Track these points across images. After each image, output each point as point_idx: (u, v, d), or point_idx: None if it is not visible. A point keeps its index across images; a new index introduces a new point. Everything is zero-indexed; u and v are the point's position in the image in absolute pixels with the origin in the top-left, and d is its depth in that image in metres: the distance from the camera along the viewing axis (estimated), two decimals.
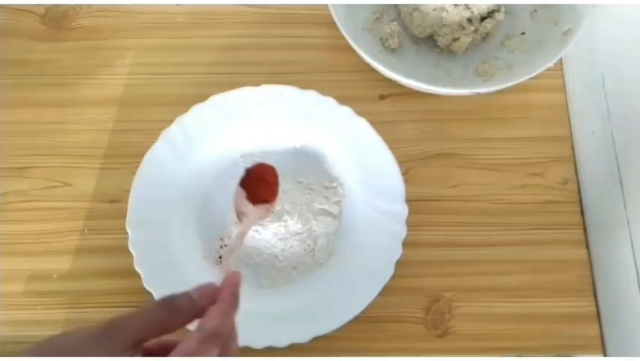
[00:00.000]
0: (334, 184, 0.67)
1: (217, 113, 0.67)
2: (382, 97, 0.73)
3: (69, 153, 0.70)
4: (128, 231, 0.62)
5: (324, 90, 0.68)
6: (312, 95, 0.67)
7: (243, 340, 0.58)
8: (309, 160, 0.68)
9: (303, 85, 0.68)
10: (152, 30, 0.76)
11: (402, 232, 0.62)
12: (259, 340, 0.58)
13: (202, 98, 0.68)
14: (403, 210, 0.63)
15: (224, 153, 0.68)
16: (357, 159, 0.66)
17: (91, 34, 0.76)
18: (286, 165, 0.67)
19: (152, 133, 0.66)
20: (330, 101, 0.67)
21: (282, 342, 0.58)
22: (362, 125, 0.66)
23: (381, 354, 0.62)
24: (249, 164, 0.65)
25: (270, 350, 0.58)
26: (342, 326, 0.59)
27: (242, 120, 0.67)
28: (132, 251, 0.61)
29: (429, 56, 0.73)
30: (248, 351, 0.58)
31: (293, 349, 0.58)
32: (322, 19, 0.72)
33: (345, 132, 0.67)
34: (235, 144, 0.68)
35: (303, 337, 0.59)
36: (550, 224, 0.67)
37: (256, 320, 0.60)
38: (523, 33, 0.72)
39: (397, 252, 0.61)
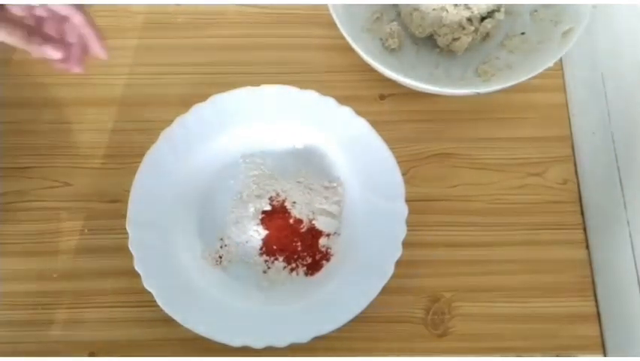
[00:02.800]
0: (334, 184, 0.67)
1: (217, 113, 0.67)
2: (382, 97, 0.73)
3: (69, 153, 0.70)
4: (129, 231, 0.62)
5: (324, 90, 0.68)
6: (311, 95, 0.67)
7: (243, 340, 0.58)
8: (309, 160, 0.68)
9: (303, 85, 0.68)
10: (151, 30, 0.76)
11: (402, 231, 0.62)
12: (259, 340, 0.58)
13: (202, 98, 0.68)
14: (403, 209, 0.63)
15: (225, 153, 0.68)
16: (357, 158, 0.66)
17: None
18: (286, 165, 0.68)
19: (152, 133, 0.66)
20: (330, 101, 0.67)
21: (282, 342, 0.58)
22: (362, 125, 0.66)
23: (381, 354, 0.62)
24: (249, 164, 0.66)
25: (270, 350, 0.58)
26: (342, 326, 0.59)
27: (242, 120, 0.67)
28: (132, 251, 0.61)
29: (429, 56, 0.73)
30: (248, 351, 0.58)
31: (293, 349, 0.58)
32: (322, 19, 0.72)
33: (345, 132, 0.66)
34: (235, 144, 0.68)
35: (303, 337, 0.59)
36: (550, 224, 0.67)
37: (256, 320, 0.60)
38: (523, 33, 0.72)
39: (397, 251, 0.61)
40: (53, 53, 0.54)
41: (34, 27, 0.55)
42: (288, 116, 0.67)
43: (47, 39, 0.54)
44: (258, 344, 0.58)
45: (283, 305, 0.61)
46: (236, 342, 0.58)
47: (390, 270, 0.60)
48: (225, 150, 0.67)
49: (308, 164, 0.68)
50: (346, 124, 0.67)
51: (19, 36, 0.53)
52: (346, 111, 0.67)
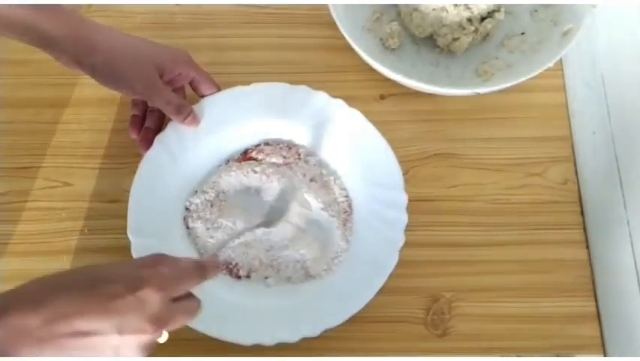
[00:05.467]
0: (331, 177, 0.66)
1: (210, 114, 0.67)
2: (382, 97, 0.73)
3: (69, 153, 0.70)
4: (130, 238, 0.61)
5: (324, 90, 0.68)
6: (303, 90, 0.67)
7: (254, 338, 0.58)
8: (307, 155, 0.67)
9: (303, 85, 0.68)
10: (151, 30, 0.76)
11: (403, 219, 0.62)
12: (270, 337, 0.58)
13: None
14: (402, 197, 0.63)
15: (221, 153, 0.67)
16: (353, 150, 0.66)
17: None
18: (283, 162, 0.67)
19: None
20: (322, 95, 0.67)
21: (294, 337, 0.58)
22: (355, 116, 0.66)
23: (381, 354, 0.62)
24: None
25: (273, 349, 0.58)
26: (349, 320, 0.59)
27: (235, 120, 0.67)
28: (135, 257, 0.60)
29: (429, 56, 0.73)
30: (251, 350, 0.58)
31: (294, 348, 0.58)
32: (322, 19, 0.72)
33: (339, 125, 0.66)
34: (230, 143, 0.67)
35: (314, 331, 0.58)
36: (550, 224, 0.67)
37: (265, 317, 0.60)
38: (523, 33, 0.72)
39: (400, 240, 0.61)
40: (193, 125, 0.65)
41: (184, 102, 0.65)
42: (282, 113, 0.67)
43: (190, 112, 0.65)
44: (269, 342, 0.58)
45: (292, 301, 0.61)
46: (247, 341, 0.58)
47: (394, 258, 0.61)
48: (221, 149, 0.67)
49: (304, 160, 0.67)
50: (339, 116, 0.67)
51: (173, 106, 0.64)
52: (339, 104, 0.67)
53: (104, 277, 0.46)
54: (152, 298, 0.45)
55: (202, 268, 0.50)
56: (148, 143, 0.66)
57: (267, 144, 0.67)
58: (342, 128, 0.66)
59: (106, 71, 0.60)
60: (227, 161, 0.67)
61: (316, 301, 0.61)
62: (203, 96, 0.68)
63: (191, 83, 0.67)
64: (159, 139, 0.66)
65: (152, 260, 0.49)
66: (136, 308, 0.44)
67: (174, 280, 0.47)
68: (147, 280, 0.46)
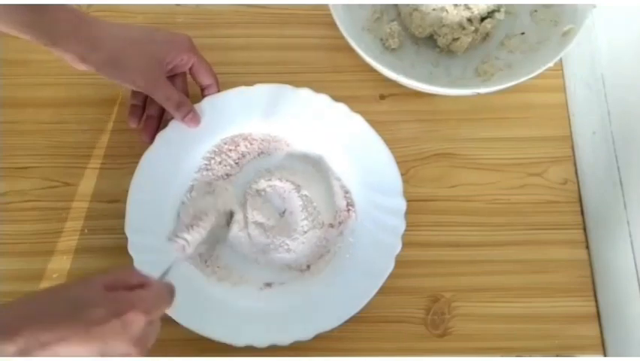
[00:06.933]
0: (335, 181, 0.66)
1: (212, 113, 0.67)
2: (382, 97, 0.73)
3: (69, 153, 0.70)
4: (128, 235, 0.61)
5: (324, 90, 0.68)
6: (306, 92, 0.67)
7: (246, 339, 0.58)
8: (307, 158, 0.68)
9: (303, 85, 0.68)
10: None
11: (401, 226, 0.62)
12: (263, 339, 0.58)
13: (201, 97, 0.68)
14: (401, 204, 0.63)
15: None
16: (353, 155, 0.66)
17: None
18: (283, 163, 0.67)
19: None
20: (325, 98, 0.67)
21: (286, 340, 0.58)
22: (357, 121, 0.66)
23: (381, 354, 0.62)
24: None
25: (272, 350, 0.58)
26: (345, 322, 0.59)
27: (237, 120, 0.67)
28: (132, 255, 0.60)
29: (429, 56, 0.73)
30: (250, 351, 0.58)
31: (294, 348, 0.58)
32: (322, 19, 0.72)
33: (341, 129, 0.66)
34: (229, 143, 0.68)
35: (307, 334, 0.58)
36: (550, 224, 0.67)
37: (259, 319, 0.60)
38: (523, 33, 0.72)
39: (397, 246, 0.61)
40: (193, 124, 0.65)
41: (184, 98, 0.65)
42: (283, 115, 0.67)
43: (190, 110, 0.65)
44: (262, 343, 0.58)
45: (286, 303, 0.61)
46: (240, 342, 0.58)
47: (390, 264, 0.60)
48: (221, 150, 0.67)
49: (305, 162, 0.67)
50: (341, 121, 0.67)
51: (173, 102, 0.64)
52: (341, 108, 0.67)
53: (85, 301, 0.45)
54: (138, 321, 0.45)
55: (172, 292, 0.50)
56: (151, 131, 0.66)
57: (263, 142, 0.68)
58: (343, 133, 0.66)
59: (109, 68, 0.62)
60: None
61: (310, 305, 0.60)
62: (201, 86, 0.68)
63: (190, 69, 0.68)
64: (160, 137, 0.66)
65: (114, 279, 0.47)
66: (120, 332, 0.44)
67: (156, 303, 0.47)
68: (132, 303, 0.45)
